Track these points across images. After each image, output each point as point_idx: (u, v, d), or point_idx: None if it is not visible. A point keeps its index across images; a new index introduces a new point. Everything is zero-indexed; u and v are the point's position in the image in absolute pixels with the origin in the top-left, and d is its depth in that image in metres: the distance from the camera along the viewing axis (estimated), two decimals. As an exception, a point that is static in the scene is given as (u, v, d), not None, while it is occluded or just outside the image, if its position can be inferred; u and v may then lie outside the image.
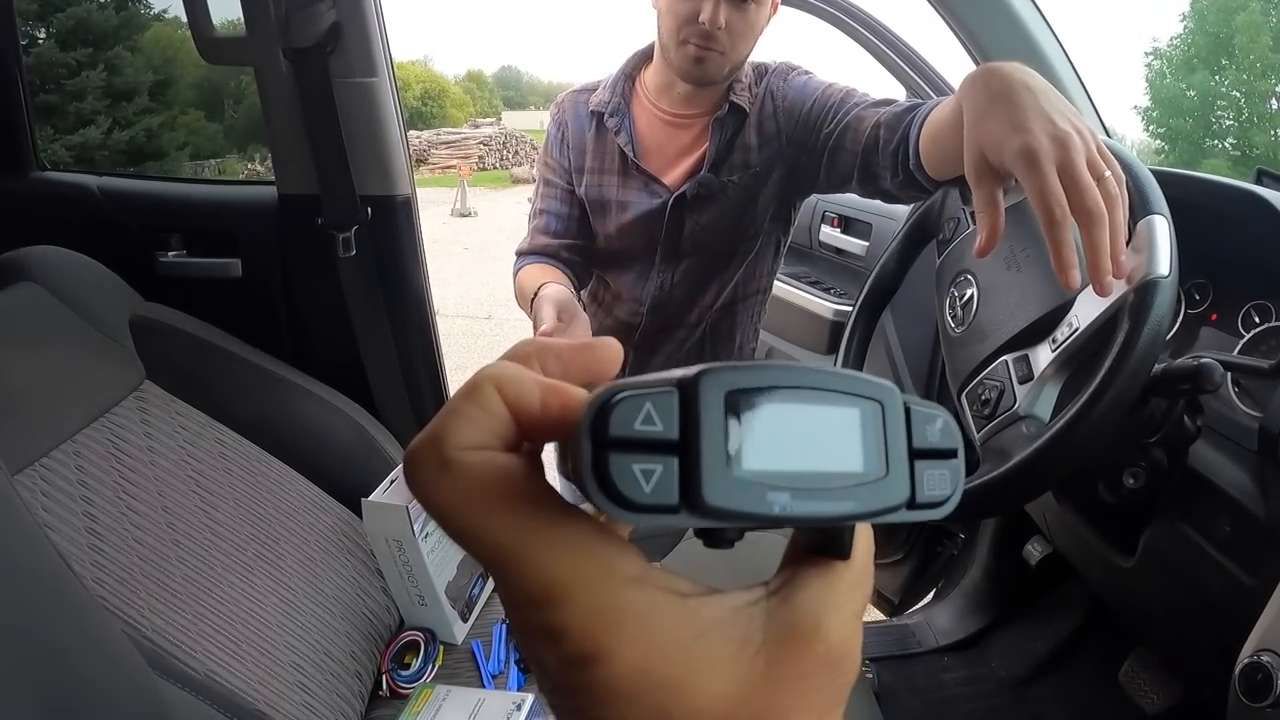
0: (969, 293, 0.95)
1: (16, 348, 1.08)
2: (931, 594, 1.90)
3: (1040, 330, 0.84)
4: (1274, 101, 18.98)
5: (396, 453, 1.34)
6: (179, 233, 1.49)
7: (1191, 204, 1.02)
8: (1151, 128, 19.72)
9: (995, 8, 1.31)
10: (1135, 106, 19.88)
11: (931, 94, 1.69)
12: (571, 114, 1.34)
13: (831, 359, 1.96)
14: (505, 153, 23.20)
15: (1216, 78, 18.97)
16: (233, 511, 1.14)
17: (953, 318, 0.97)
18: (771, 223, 1.29)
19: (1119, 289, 0.71)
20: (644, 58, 1.31)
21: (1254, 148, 18.72)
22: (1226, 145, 19.33)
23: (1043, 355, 0.83)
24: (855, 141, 1.11)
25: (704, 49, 1.14)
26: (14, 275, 1.16)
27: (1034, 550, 1.49)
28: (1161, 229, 0.73)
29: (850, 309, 1.90)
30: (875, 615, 1.98)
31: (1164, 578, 0.99)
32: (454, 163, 20.74)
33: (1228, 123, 19.44)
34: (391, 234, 1.37)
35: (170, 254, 1.47)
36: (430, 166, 21.75)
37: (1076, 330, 0.79)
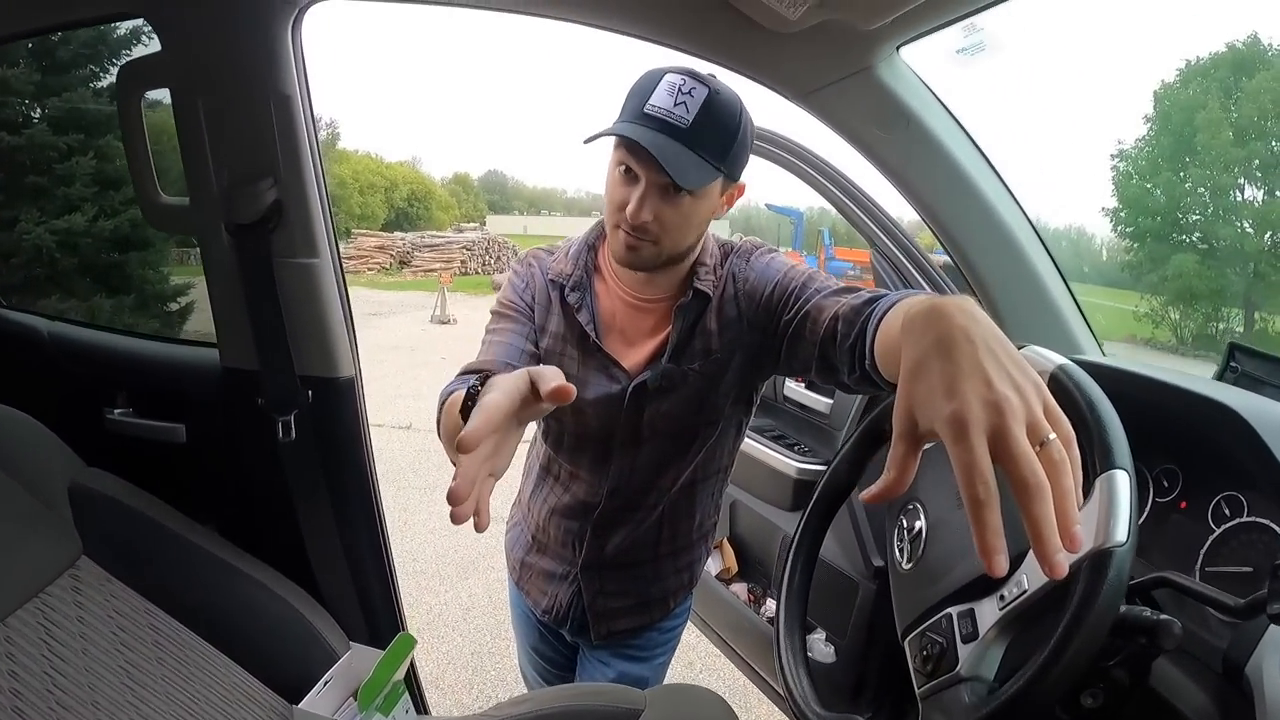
0: (918, 525, 0.93)
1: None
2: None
3: (987, 583, 0.81)
4: (1237, 194, 19.56)
5: (338, 641, 1.29)
6: (126, 389, 1.46)
7: (1159, 405, 1.02)
8: (1120, 228, 20.24)
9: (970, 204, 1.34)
10: (1104, 208, 20.47)
11: (893, 247, 1.71)
12: (540, 272, 1.28)
13: (797, 515, 1.95)
14: (488, 258, 23.52)
15: (1181, 175, 19.58)
16: (164, 707, 1.09)
17: (900, 550, 0.95)
18: (733, 406, 1.26)
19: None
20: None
21: (1220, 239, 19.20)
22: (1194, 239, 19.82)
23: (988, 612, 0.79)
24: (814, 332, 1.07)
25: (635, 238, 1.10)
26: None
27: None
28: (1122, 487, 0.68)
29: (815, 466, 1.94)
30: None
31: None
32: (436, 266, 21.02)
33: (1194, 217, 19.94)
34: (334, 417, 1.35)
35: (117, 411, 1.45)
36: (413, 270, 22.01)
37: (1025, 592, 0.75)
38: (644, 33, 1.23)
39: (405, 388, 7.78)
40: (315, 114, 1.32)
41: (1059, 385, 0.75)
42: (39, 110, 7.54)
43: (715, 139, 1.04)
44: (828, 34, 1.11)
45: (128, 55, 7.50)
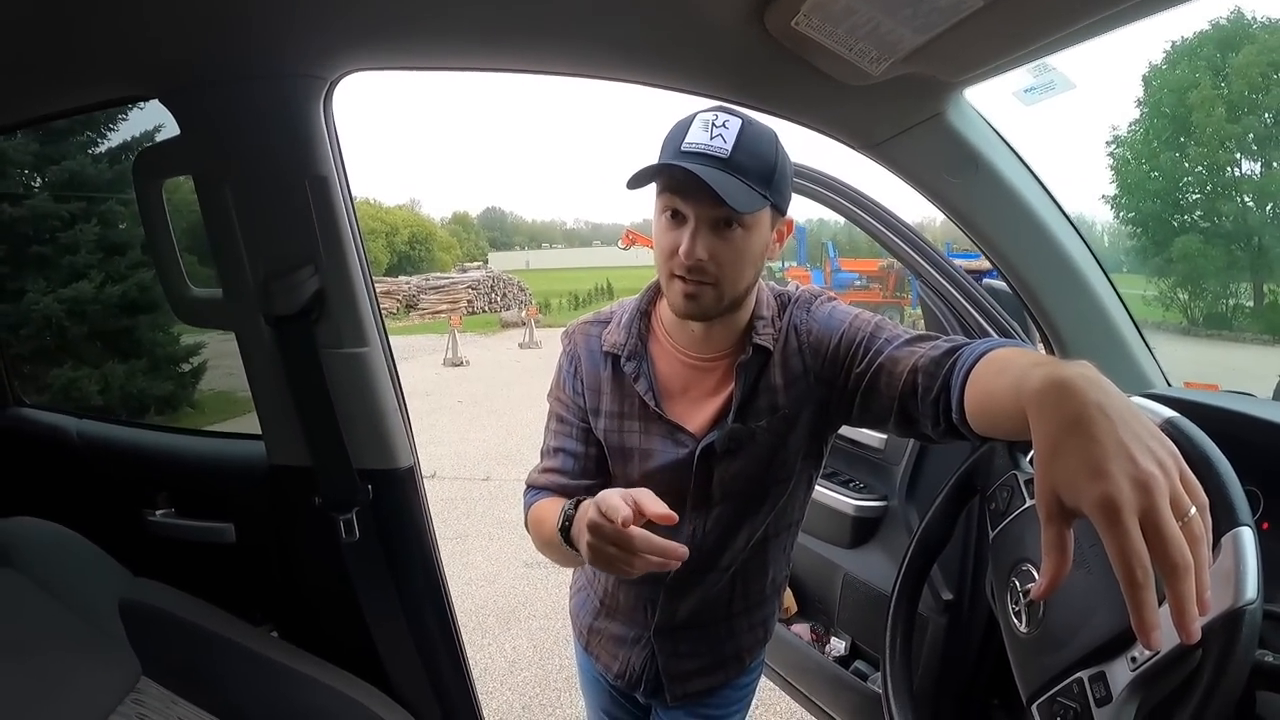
0: (1033, 588, 0.89)
1: (3, 655, 1.01)
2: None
3: (1117, 645, 0.78)
4: (1234, 169, 19.47)
5: (420, 736, 1.23)
6: (166, 489, 1.40)
7: (1234, 433, 0.98)
8: (1121, 214, 20.22)
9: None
10: (1103, 196, 20.43)
11: (938, 276, 1.66)
12: (584, 348, 1.27)
13: (856, 552, 1.91)
14: (494, 295, 23.59)
15: (1178, 155, 19.54)
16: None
17: (1017, 615, 0.91)
18: (803, 461, 1.23)
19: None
20: (659, 290, 1.24)
21: (1222, 216, 19.14)
22: (1196, 218, 19.74)
23: (1120, 673, 0.77)
24: (891, 385, 1.05)
25: (693, 283, 1.07)
26: None
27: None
28: (1248, 545, 0.70)
29: (872, 502, 1.90)
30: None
31: None
32: (443, 308, 21.14)
33: (1194, 196, 19.88)
34: (397, 511, 1.27)
35: (158, 513, 1.38)
36: (420, 312, 22.08)
37: (1158, 653, 0.73)
38: (703, 90, 1.20)
39: (425, 435, 7.62)
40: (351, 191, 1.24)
41: (1172, 440, 0.74)
42: (39, 179, 7.57)
43: (755, 165, 1.03)
44: (900, 84, 1.07)
45: (123, 120, 7.55)
